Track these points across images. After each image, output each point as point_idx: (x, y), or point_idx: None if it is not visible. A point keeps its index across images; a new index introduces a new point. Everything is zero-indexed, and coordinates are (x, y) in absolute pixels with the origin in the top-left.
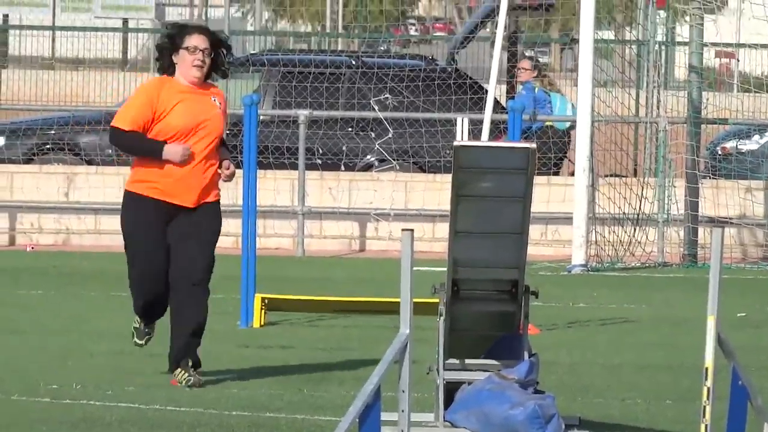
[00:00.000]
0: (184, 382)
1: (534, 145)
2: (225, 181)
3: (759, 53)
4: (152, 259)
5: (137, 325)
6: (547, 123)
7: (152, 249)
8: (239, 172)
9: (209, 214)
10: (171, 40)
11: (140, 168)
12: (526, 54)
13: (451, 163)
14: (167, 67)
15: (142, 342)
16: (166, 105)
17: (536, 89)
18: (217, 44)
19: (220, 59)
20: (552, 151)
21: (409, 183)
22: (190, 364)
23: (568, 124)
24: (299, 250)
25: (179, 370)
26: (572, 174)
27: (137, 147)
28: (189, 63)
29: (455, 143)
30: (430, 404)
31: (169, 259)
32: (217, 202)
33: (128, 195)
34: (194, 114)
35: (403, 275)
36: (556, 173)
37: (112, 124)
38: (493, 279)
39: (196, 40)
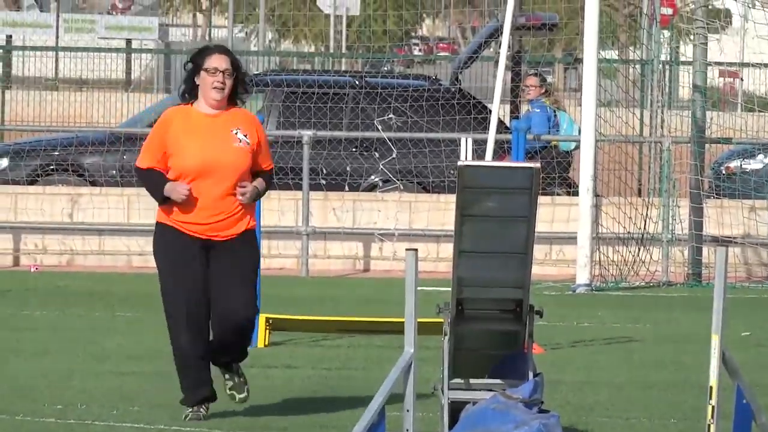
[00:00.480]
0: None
1: (538, 165)
2: (239, 197)
3: (763, 72)
4: (189, 292)
5: (189, 413)
6: (552, 143)
7: (188, 280)
8: None
9: (244, 246)
10: (193, 61)
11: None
12: (532, 72)
13: (455, 183)
14: (189, 91)
15: (199, 414)
16: (176, 142)
17: (548, 108)
18: (237, 66)
19: (242, 81)
20: (556, 171)
21: (413, 203)
22: (239, 375)
23: (573, 145)
24: (303, 270)
25: (227, 376)
26: (568, 193)
27: (147, 185)
28: (209, 85)
29: (459, 163)
30: (434, 424)
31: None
32: (252, 230)
33: (156, 225)
34: (207, 153)
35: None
36: (561, 193)
37: (135, 165)
38: (497, 298)
39: (216, 61)
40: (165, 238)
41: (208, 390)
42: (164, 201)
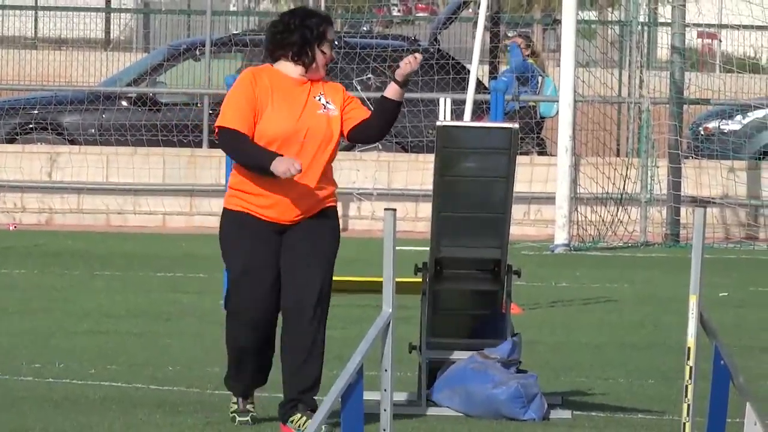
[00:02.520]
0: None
1: (516, 125)
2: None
3: (741, 34)
4: (256, 287)
5: (235, 407)
6: (530, 104)
7: (257, 270)
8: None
9: (323, 228)
10: (309, 28)
11: (235, 179)
12: (519, 32)
13: (434, 143)
14: (282, 53)
15: (247, 419)
16: (264, 104)
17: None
18: None
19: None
20: (534, 131)
21: (392, 163)
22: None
23: (554, 110)
24: None
25: (298, 415)
26: (540, 153)
27: (239, 151)
28: (321, 59)
29: (438, 123)
30: (412, 383)
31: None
32: (333, 208)
33: (223, 213)
34: (296, 120)
35: (385, 254)
36: (541, 153)
37: (216, 124)
38: (475, 258)
39: (332, 34)
40: (239, 228)
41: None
42: (263, 172)
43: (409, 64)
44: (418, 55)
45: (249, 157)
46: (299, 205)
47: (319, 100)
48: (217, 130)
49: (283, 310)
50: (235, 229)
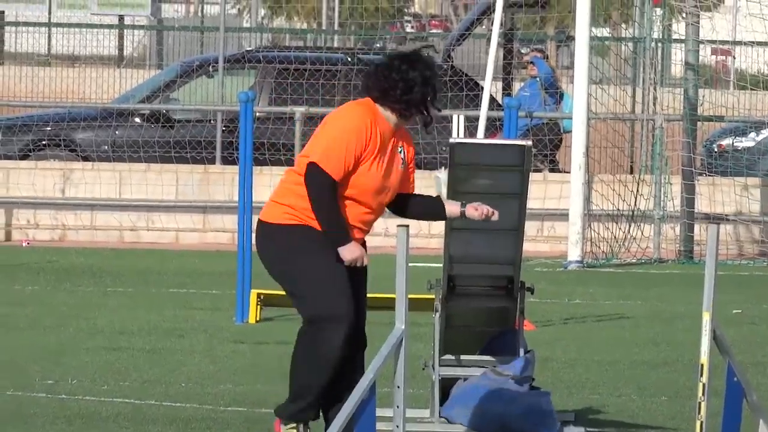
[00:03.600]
0: None
1: (530, 143)
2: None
3: (755, 50)
4: (346, 288)
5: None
6: (553, 121)
7: (343, 273)
8: (234, 169)
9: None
10: (420, 71)
11: (301, 202)
12: (535, 47)
13: (447, 160)
14: (413, 116)
15: None
16: (367, 157)
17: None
18: None
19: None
20: (548, 148)
21: None
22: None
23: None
24: None
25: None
26: (552, 170)
27: (329, 214)
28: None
29: (451, 140)
30: (425, 400)
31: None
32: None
33: (281, 228)
34: (385, 175)
35: (398, 271)
36: (552, 170)
37: (315, 160)
38: (488, 275)
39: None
40: (309, 237)
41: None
42: (327, 235)
43: (481, 213)
44: (496, 214)
45: (328, 219)
46: (357, 237)
47: (401, 153)
48: (310, 165)
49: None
50: (306, 238)
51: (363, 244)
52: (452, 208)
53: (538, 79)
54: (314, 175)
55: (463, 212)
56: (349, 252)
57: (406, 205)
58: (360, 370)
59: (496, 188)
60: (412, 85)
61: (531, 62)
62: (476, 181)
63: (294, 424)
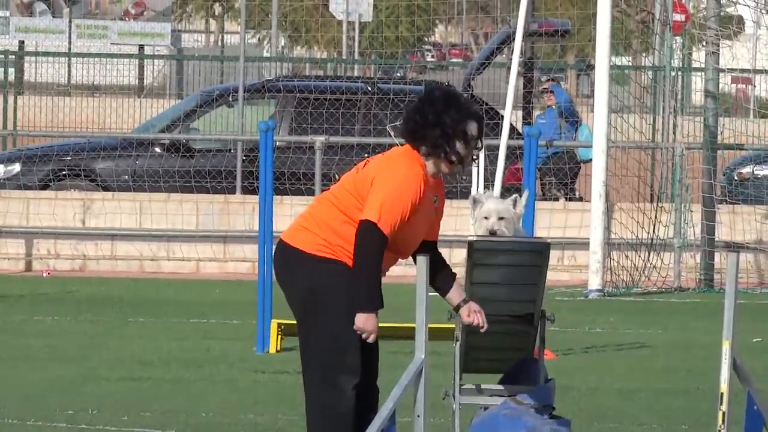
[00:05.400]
0: None
1: (548, 241)
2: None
3: None
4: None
5: None
6: (568, 150)
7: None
8: (254, 198)
9: None
10: (453, 120)
11: (344, 241)
12: (551, 77)
13: (467, 189)
14: (439, 153)
15: None
16: (412, 213)
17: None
18: None
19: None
20: (568, 176)
21: None
22: None
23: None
24: None
25: None
26: (570, 199)
27: (367, 279)
28: (466, 156)
29: (469, 239)
30: (445, 430)
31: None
32: None
33: (334, 262)
34: (423, 231)
35: (418, 300)
36: (570, 199)
37: (372, 219)
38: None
39: (476, 130)
40: (342, 273)
41: None
42: (351, 294)
43: (473, 321)
44: (485, 328)
45: (366, 283)
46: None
47: (435, 202)
48: (367, 223)
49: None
50: (338, 274)
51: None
52: (454, 295)
53: (555, 107)
54: (370, 236)
55: (459, 307)
56: (366, 321)
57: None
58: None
59: (512, 280)
60: (458, 136)
61: (550, 90)
62: (494, 274)
63: None
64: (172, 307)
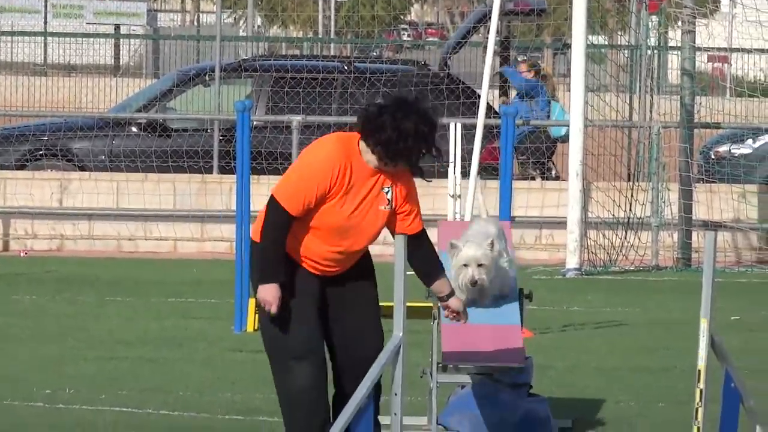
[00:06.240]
0: None
1: (528, 358)
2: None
3: (751, 57)
4: (313, 348)
5: None
6: (542, 129)
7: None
8: (231, 178)
9: (365, 272)
10: (423, 135)
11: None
12: (522, 57)
13: (444, 168)
14: (374, 140)
15: None
16: (332, 197)
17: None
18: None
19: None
20: (545, 155)
21: None
22: None
23: (564, 131)
24: None
25: None
26: (546, 178)
27: (268, 250)
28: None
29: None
30: (423, 408)
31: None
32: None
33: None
34: (354, 218)
35: (396, 279)
36: (547, 178)
37: (276, 195)
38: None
39: (428, 136)
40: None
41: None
42: (259, 266)
43: (456, 318)
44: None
45: (267, 254)
46: (336, 269)
47: (387, 193)
48: (271, 197)
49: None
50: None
51: (357, 269)
52: (442, 287)
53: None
54: (272, 209)
55: (445, 299)
56: (264, 292)
57: (410, 252)
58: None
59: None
60: (402, 136)
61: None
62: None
63: None
64: (150, 287)
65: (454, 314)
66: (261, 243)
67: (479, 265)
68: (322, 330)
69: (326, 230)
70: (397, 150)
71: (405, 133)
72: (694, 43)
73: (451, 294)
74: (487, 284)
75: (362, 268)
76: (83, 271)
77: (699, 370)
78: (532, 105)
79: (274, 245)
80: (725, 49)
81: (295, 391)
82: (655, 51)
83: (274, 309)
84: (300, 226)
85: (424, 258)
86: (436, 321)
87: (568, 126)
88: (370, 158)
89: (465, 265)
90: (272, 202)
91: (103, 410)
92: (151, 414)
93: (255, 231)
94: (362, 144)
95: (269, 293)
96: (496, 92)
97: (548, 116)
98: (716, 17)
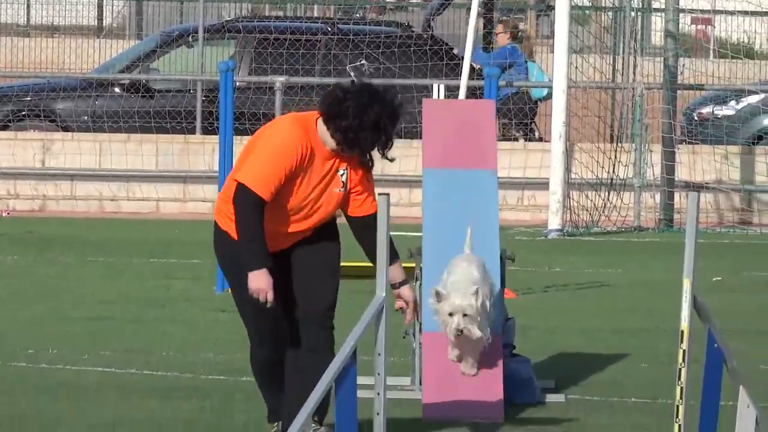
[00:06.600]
0: None
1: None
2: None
3: (735, 19)
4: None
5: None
6: (523, 90)
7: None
8: (214, 138)
9: (326, 233)
10: (382, 126)
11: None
12: (502, 19)
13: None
14: (333, 124)
15: None
16: (294, 177)
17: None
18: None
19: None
20: (528, 117)
21: None
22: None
23: (545, 92)
24: None
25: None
26: (529, 139)
27: (248, 235)
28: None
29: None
30: (406, 368)
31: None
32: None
33: (226, 234)
34: (313, 199)
35: (379, 239)
36: (530, 139)
37: (241, 180)
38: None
39: (390, 127)
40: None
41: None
42: (243, 256)
43: (404, 312)
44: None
45: (248, 242)
46: (287, 245)
47: (342, 176)
48: (239, 186)
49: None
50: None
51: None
52: (394, 274)
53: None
54: (244, 196)
55: (397, 286)
56: (255, 281)
57: (361, 234)
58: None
59: None
60: (363, 126)
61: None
62: None
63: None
64: (132, 247)
65: (404, 304)
66: (240, 232)
67: (464, 315)
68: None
69: (282, 212)
70: (355, 140)
71: (366, 123)
72: (678, 4)
73: (404, 282)
74: (472, 335)
75: (326, 232)
76: (65, 232)
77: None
78: (511, 72)
79: (255, 232)
80: (709, 11)
81: (256, 370)
82: (639, 12)
83: (270, 296)
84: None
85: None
86: (418, 282)
87: (550, 87)
88: (328, 140)
89: (450, 315)
90: (243, 190)
91: (87, 370)
92: (134, 374)
93: (219, 211)
94: (321, 126)
95: (261, 281)
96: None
97: (527, 79)
98: None
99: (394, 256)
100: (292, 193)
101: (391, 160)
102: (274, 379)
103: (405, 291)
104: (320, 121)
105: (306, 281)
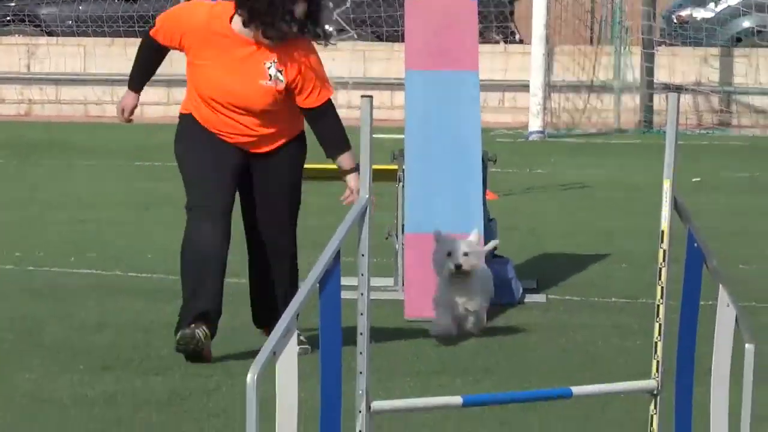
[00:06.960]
0: None
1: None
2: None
3: None
4: (209, 189)
5: (180, 334)
6: None
7: (210, 173)
8: None
9: (283, 160)
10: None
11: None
12: None
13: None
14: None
15: (184, 345)
16: (195, 55)
17: None
18: None
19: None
20: (497, 19)
21: (367, 52)
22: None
23: None
24: None
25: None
26: (506, 41)
27: (136, 62)
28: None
29: None
30: (389, 268)
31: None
32: (292, 142)
33: (181, 116)
34: (228, 87)
35: (362, 141)
36: (509, 42)
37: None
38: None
39: (302, 12)
40: (192, 128)
41: (212, 303)
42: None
43: (348, 197)
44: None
45: (133, 65)
46: (251, 144)
47: (269, 68)
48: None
49: (257, 245)
50: (184, 128)
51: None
52: (344, 161)
53: None
54: (147, 34)
55: (346, 172)
56: (120, 102)
57: (312, 125)
58: (282, 283)
59: None
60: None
61: None
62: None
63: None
64: (117, 151)
65: (349, 192)
66: (135, 59)
67: (465, 254)
68: (229, 189)
69: (208, 96)
70: (254, 9)
71: (298, 15)
72: None
73: (353, 171)
74: (472, 270)
75: (291, 151)
76: (51, 136)
77: (662, 231)
78: None
79: (137, 60)
80: None
81: (185, 240)
82: None
83: (126, 115)
84: (192, 96)
85: (326, 129)
86: (401, 183)
87: None
88: (244, 30)
89: (449, 254)
90: (147, 33)
91: (72, 273)
92: (119, 276)
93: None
94: (237, 17)
95: (125, 98)
96: None
97: None
98: None
99: (343, 146)
100: (205, 76)
101: (325, 45)
102: (208, 270)
103: (351, 179)
104: (236, 12)
105: (260, 207)
